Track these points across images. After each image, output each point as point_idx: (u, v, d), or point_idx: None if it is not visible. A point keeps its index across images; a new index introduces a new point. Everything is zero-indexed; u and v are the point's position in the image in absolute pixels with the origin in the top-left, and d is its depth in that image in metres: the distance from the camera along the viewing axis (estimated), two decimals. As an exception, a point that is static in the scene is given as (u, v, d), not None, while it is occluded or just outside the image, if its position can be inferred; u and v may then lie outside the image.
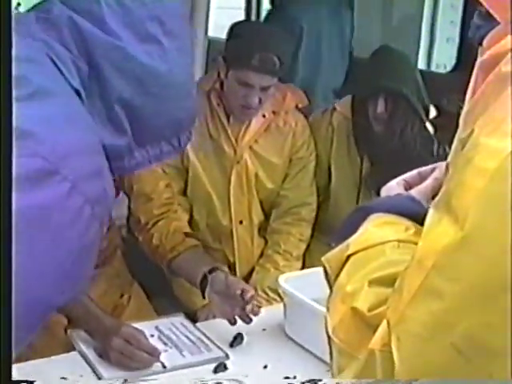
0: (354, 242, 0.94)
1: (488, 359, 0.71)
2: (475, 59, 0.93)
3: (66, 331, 2.19)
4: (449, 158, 1.00)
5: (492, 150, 0.72)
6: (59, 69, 1.17)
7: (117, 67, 1.24)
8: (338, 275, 0.93)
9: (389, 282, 0.82)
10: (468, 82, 0.96)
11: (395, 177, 2.90)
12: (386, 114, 2.70)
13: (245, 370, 1.99)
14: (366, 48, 3.93)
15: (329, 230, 2.93)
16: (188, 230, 2.56)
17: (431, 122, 2.85)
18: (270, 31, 2.73)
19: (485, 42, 0.89)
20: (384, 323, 0.79)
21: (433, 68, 4.51)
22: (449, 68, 3.79)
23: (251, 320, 2.13)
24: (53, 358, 1.98)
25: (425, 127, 2.78)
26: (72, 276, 1.10)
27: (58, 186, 1.02)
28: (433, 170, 1.12)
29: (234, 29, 2.71)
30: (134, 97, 1.26)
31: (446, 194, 0.78)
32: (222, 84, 2.68)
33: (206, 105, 2.71)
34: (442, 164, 1.10)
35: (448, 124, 2.96)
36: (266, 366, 2.02)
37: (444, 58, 4.35)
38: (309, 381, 1.79)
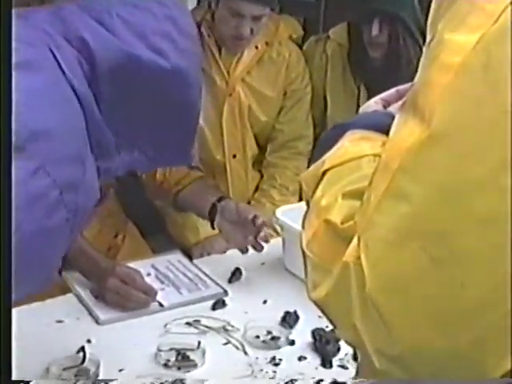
0: (330, 157, 0.92)
1: (461, 265, 0.67)
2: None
3: (60, 273, 2.15)
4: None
5: (457, 45, 0.69)
6: (58, 62, 1.15)
7: (120, 70, 1.23)
8: (314, 191, 0.91)
9: (363, 194, 0.78)
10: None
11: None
12: (382, 38, 2.62)
13: (244, 307, 1.96)
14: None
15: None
16: None
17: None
18: None
19: None
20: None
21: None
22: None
23: (263, 248, 2.10)
24: (48, 301, 1.94)
25: (422, 52, 2.69)
26: (28, 258, 1.04)
27: (22, 163, 0.98)
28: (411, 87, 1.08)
29: None
30: (132, 99, 1.27)
31: (412, 95, 0.75)
32: (213, 15, 2.61)
33: (196, 36, 2.62)
34: None
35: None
36: (265, 301, 2.00)
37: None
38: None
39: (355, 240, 0.75)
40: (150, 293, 1.94)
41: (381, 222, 0.71)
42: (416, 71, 2.59)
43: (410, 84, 1.09)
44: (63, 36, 1.19)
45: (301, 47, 2.90)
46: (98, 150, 1.22)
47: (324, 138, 0.98)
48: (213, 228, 2.23)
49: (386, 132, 0.91)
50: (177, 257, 2.23)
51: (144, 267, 2.09)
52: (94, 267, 2.01)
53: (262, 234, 2.08)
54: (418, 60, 2.48)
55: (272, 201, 2.74)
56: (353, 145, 0.91)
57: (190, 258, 2.31)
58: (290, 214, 2.13)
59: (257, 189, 2.83)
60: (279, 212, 2.16)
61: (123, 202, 2.46)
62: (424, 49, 0.82)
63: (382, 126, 0.92)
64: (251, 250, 2.12)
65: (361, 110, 1.08)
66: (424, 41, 2.65)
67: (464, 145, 0.66)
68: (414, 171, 0.69)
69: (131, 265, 2.05)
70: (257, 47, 2.69)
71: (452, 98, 0.68)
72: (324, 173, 0.90)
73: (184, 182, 2.38)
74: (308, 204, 0.92)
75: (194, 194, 2.35)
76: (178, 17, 1.33)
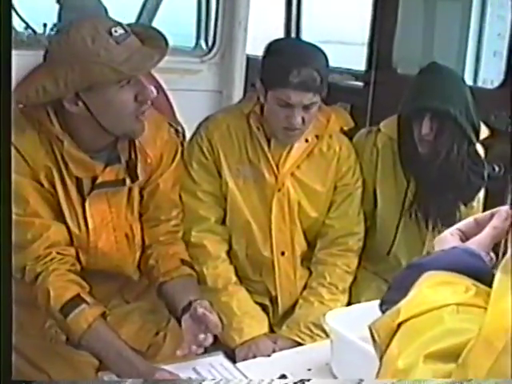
0: (406, 306, 0.83)
1: None
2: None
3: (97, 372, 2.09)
4: None
5: None
6: None
7: None
8: (388, 345, 0.81)
9: (448, 355, 0.70)
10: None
11: (445, 202, 2.73)
12: (432, 136, 2.54)
13: (289, 417, 1.87)
14: (410, 64, 3.81)
15: (376, 258, 2.82)
16: (186, 257, 2.45)
17: (482, 143, 2.70)
18: (306, 46, 2.59)
19: None
20: None
21: (479, 83, 4.35)
22: (496, 83, 3.64)
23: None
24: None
25: (474, 149, 2.62)
26: None
27: None
28: (491, 216, 0.99)
29: (270, 47, 2.57)
30: None
31: None
32: (261, 107, 2.55)
33: (245, 128, 2.58)
34: (501, 209, 0.99)
35: (496, 142, 2.85)
36: (312, 412, 1.89)
37: (491, 73, 4.19)
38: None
39: None
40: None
41: None
42: (466, 171, 2.47)
43: (488, 213, 1.00)
44: None
45: (350, 137, 2.83)
46: None
47: (397, 280, 0.89)
48: (180, 325, 2.19)
49: (468, 273, 0.82)
50: (219, 359, 2.16)
51: (185, 370, 2.03)
52: (132, 370, 1.94)
53: (200, 336, 2.06)
54: (470, 157, 2.39)
55: (321, 299, 2.63)
56: (432, 291, 0.82)
57: (234, 360, 2.23)
58: (339, 318, 2.06)
59: (305, 286, 2.72)
60: (329, 316, 2.07)
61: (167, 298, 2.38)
62: None
63: (463, 266, 0.84)
64: (298, 355, 2.02)
65: (435, 242, 0.99)
66: (477, 137, 2.55)
67: None
68: None
69: (172, 367, 1.99)
70: (307, 140, 2.62)
71: None
72: (399, 324, 0.81)
73: (172, 275, 2.34)
74: (380, 359, 0.82)
75: (176, 289, 2.31)
76: None
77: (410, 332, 0.80)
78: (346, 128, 2.74)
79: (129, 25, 2.12)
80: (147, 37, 2.13)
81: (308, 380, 1.82)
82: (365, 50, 4.21)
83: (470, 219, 1.01)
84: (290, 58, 2.43)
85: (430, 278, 0.85)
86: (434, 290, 0.83)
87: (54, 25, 3.96)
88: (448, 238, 0.98)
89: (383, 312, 0.88)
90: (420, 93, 2.59)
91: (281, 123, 2.46)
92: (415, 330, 0.79)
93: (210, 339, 2.07)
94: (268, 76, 2.48)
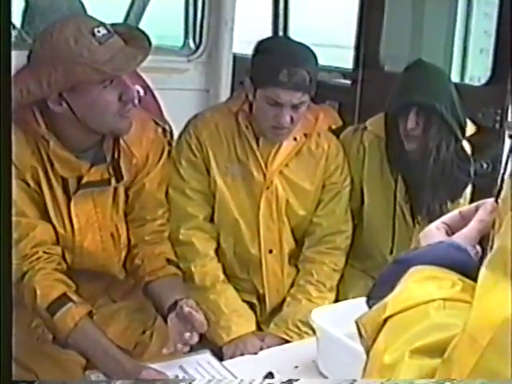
0: (393, 301, 0.83)
1: None
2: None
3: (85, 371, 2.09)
4: (499, 202, 0.86)
5: None
6: None
7: None
8: (374, 340, 0.81)
9: (434, 350, 0.70)
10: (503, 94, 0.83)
11: (431, 199, 2.72)
12: (418, 131, 2.55)
13: (276, 415, 1.87)
14: (397, 62, 3.82)
15: (363, 256, 2.83)
16: (172, 256, 2.45)
17: (469, 140, 2.71)
18: (297, 45, 2.58)
19: None
20: None
21: (466, 80, 4.37)
22: (483, 80, 3.64)
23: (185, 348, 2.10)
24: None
25: (461, 146, 2.63)
26: None
27: None
28: (476, 209, 0.99)
29: (260, 45, 2.57)
30: None
31: (501, 252, 0.65)
32: (250, 105, 2.55)
33: (233, 126, 2.58)
34: (487, 202, 0.98)
35: (483, 139, 2.86)
36: (299, 409, 1.89)
37: (478, 70, 4.20)
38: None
39: None
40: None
41: None
42: (454, 167, 2.47)
43: (473, 205, 1.00)
44: None
45: (338, 135, 2.84)
46: None
47: (384, 275, 0.89)
48: (166, 324, 2.20)
49: (455, 268, 0.83)
50: (206, 357, 2.16)
51: (172, 368, 2.04)
52: (118, 369, 1.95)
53: (186, 335, 2.07)
54: (457, 154, 2.40)
55: (309, 297, 2.63)
56: (418, 286, 0.82)
57: (221, 358, 2.24)
58: (325, 315, 2.07)
59: (293, 284, 2.72)
60: (315, 313, 2.08)
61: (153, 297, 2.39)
62: (506, 181, 0.73)
63: (449, 260, 0.85)
64: (284, 353, 2.06)
65: (421, 236, 0.99)
66: (462, 133, 2.55)
67: None
68: (509, 351, 0.60)
69: (158, 366, 1.99)
70: (295, 139, 2.62)
71: None
72: (386, 319, 0.81)
73: (158, 274, 2.35)
74: (367, 352, 0.82)
75: (162, 288, 2.31)
76: None
77: (397, 327, 0.80)
78: (334, 127, 2.74)
79: (112, 25, 2.12)
80: (130, 37, 2.13)
81: (296, 380, 1.82)
82: (352, 50, 4.23)
83: (455, 212, 1.01)
84: (280, 58, 2.43)
85: (416, 272, 0.85)
86: (421, 284, 0.83)
87: (13, 26, 3.74)
88: (434, 232, 0.98)
89: (370, 307, 0.88)
90: (406, 88, 2.60)
91: (269, 122, 2.47)
92: (402, 325, 0.79)
93: (196, 338, 2.08)
94: (258, 74, 2.48)
